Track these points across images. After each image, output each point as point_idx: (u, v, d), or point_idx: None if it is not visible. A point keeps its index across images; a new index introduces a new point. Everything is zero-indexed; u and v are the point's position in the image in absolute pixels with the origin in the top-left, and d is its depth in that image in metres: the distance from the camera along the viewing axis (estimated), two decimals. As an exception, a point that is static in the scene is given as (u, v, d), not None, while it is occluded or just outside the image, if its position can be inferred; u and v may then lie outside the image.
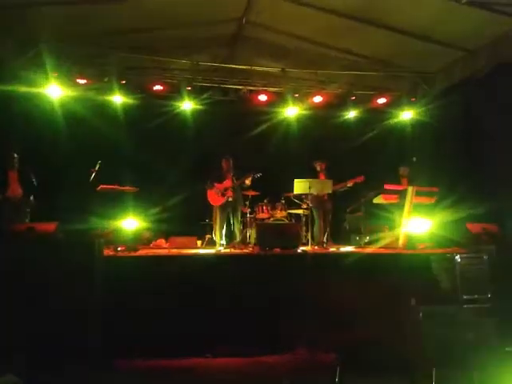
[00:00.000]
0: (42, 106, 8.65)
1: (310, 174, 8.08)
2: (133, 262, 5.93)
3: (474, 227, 6.89)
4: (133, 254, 6.46)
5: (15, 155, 7.12)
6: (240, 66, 9.21)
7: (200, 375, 4.81)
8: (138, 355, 5.02)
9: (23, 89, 8.34)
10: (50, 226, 5.78)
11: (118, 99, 9.17)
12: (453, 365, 4.17)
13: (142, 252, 6.83)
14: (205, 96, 9.43)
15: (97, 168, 6.96)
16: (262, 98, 9.63)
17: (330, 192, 7.92)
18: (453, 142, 9.06)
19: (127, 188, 7.34)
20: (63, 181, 8.18)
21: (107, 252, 6.16)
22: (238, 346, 5.29)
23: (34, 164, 7.31)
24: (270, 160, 9.46)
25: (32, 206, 7.05)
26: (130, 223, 7.20)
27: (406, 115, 10.26)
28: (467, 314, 4.98)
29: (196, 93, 9.38)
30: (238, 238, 7.85)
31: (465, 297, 5.23)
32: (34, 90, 8.53)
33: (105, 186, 7.07)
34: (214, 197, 7.78)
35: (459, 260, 5.33)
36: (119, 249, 6.41)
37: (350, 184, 7.98)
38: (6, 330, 4.54)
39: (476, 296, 5.27)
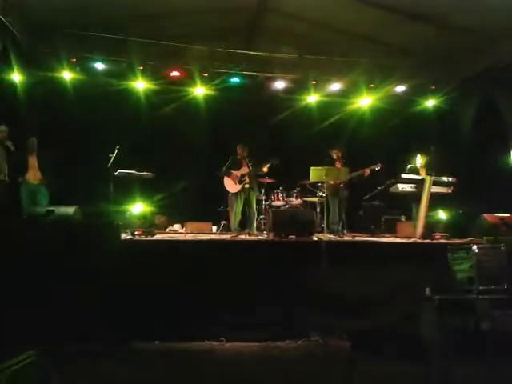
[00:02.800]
0: (60, 92, 8.75)
1: (326, 161, 8.01)
2: (149, 246, 6.00)
3: (492, 217, 6.82)
4: (149, 238, 6.53)
5: (34, 139, 7.21)
6: (257, 53, 9.16)
7: (214, 358, 4.87)
8: (155, 338, 5.11)
9: (41, 74, 8.45)
10: (69, 210, 5.88)
11: (136, 85, 9.22)
12: (467, 354, 4.16)
13: (158, 236, 6.90)
14: (221, 82, 9.44)
15: (115, 153, 7.00)
16: (279, 84, 9.61)
17: (346, 180, 7.88)
18: (473, 132, 8.94)
19: (144, 173, 7.40)
20: (81, 165, 8.28)
21: (124, 236, 6.24)
22: (252, 331, 5.34)
23: (52, 149, 7.41)
24: (286, 147, 9.43)
25: (51, 190, 7.17)
26: (144, 208, 7.29)
27: (426, 104, 10.13)
28: (483, 304, 4.95)
29: (212, 79, 9.39)
30: (253, 224, 7.87)
31: (481, 287, 5.18)
32: (51, 75, 8.63)
33: (122, 171, 7.13)
34: (231, 183, 7.81)
35: (476, 250, 5.27)
36: (136, 233, 6.47)
37: (367, 172, 7.92)
38: (24, 310, 4.63)
39: (492, 287, 5.21)
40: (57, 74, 8.69)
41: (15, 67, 7.74)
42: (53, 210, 5.74)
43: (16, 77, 7.88)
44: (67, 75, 8.75)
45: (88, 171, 8.03)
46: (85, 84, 8.88)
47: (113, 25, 8.24)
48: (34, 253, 4.91)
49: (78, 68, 8.77)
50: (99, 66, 8.70)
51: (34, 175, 7.08)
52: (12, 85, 7.84)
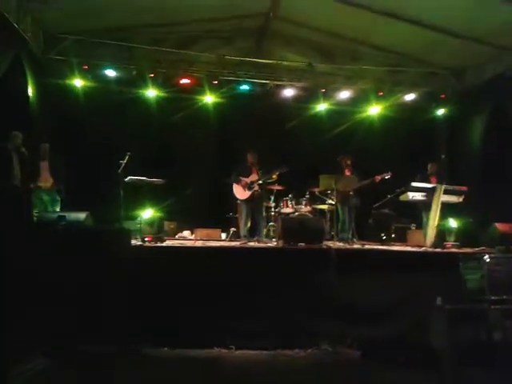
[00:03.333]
0: (72, 99, 8.85)
1: (335, 169, 8.00)
2: (159, 252, 6.01)
3: (504, 227, 6.76)
4: (159, 244, 6.54)
5: (46, 145, 7.28)
6: (266, 61, 9.22)
7: (223, 366, 4.86)
8: (164, 344, 5.11)
9: (53, 81, 8.56)
10: (80, 215, 5.93)
11: (147, 92, 9.31)
12: (478, 364, 4.12)
13: (167, 243, 6.92)
14: (231, 90, 9.50)
15: (125, 160, 7.04)
16: (288, 92, 9.65)
17: (356, 188, 7.87)
18: (483, 140, 8.89)
19: (154, 180, 7.43)
20: (92, 172, 8.33)
21: (135, 242, 6.25)
22: (260, 339, 5.32)
23: (63, 155, 7.48)
24: (296, 155, 9.43)
25: (62, 195, 7.24)
26: (154, 214, 7.31)
27: (436, 112, 10.11)
28: (495, 314, 4.90)
29: (222, 87, 9.45)
30: (263, 232, 7.87)
31: (492, 297, 5.12)
32: (63, 82, 8.75)
33: (132, 178, 7.16)
34: (240, 190, 7.81)
35: (488, 260, 5.22)
36: (146, 239, 6.50)
37: (377, 180, 7.89)
38: (34, 315, 4.65)
39: (504, 297, 5.16)
40: (69, 81, 8.81)
41: (28, 74, 7.84)
42: (64, 216, 5.76)
43: (29, 83, 7.97)
44: (79, 82, 8.86)
45: (99, 177, 8.08)
46: (96, 91, 8.98)
47: (123, 32, 8.37)
48: (45, 258, 4.93)
49: (89, 75, 8.89)
50: (110, 73, 8.80)
51: (45, 181, 7.14)
52: (25, 91, 7.93)
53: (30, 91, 7.97)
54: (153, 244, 6.46)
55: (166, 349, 5.09)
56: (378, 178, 7.88)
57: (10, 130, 6.75)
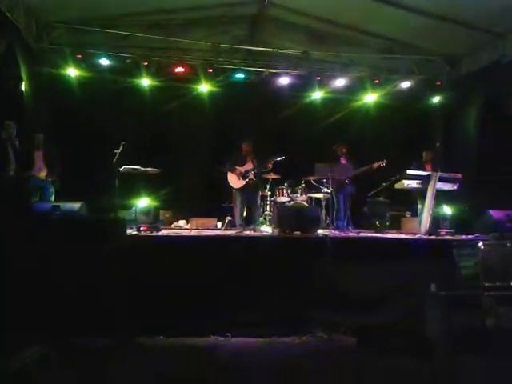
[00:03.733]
0: (65, 88, 8.79)
1: (331, 157, 7.99)
2: (155, 241, 6.01)
3: (498, 214, 6.79)
4: (155, 233, 6.54)
5: (41, 135, 7.24)
6: (262, 48, 9.16)
7: (220, 354, 4.88)
8: (159, 333, 5.13)
9: (47, 70, 8.49)
10: (75, 205, 5.91)
11: (141, 81, 9.24)
12: (472, 350, 4.16)
13: (163, 232, 6.92)
14: (226, 78, 9.45)
15: (120, 149, 7.01)
16: (284, 80, 9.60)
17: (352, 175, 7.87)
18: (478, 127, 8.89)
19: (149, 169, 7.41)
20: (87, 161, 8.30)
21: (130, 231, 6.25)
22: (257, 327, 5.34)
23: (58, 144, 7.44)
24: (291, 143, 9.42)
25: (57, 185, 7.21)
26: (149, 204, 7.29)
27: (432, 99, 10.09)
28: (488, 301, 4.94)
29: (217, 75, 9.40)
30: (258, 220, 7.88)
31: (486, 284, 5.16)
32: (56, 71, 8.68)
33: (127, 167, 7.13)
34: (235, 179, 7.80)
35: (482, 247, 5.25)
36: (141, 229, 6.49)
37: (372, 168, 7.90)
38: (31, 304, 4.65)
39: (498, 283, 5.20)
40: (62, 71, 8.74)
41: (21, 63, 7.76)
42: (58, 206, 5.74)
43: (22, 73, 7.90)
44: (72, 72, 8.78)
45: (94, 167, 8.05)
46: (90, 80, 8.92)
47: (117, 20, 8.29)
48: (40, 248, 4.92)
49: (83, 64, 8.81)
50: (104, 61, 8.73)
51: (40, 171, 7.11)
52: (18, 81, 7.86)
53: (24, 81, 7.90)
54: (148, 233, 6.46)
55: (161, 337, 5.12)
56: (376, 165, 7.89)
57: (4, 120, 6.70)
